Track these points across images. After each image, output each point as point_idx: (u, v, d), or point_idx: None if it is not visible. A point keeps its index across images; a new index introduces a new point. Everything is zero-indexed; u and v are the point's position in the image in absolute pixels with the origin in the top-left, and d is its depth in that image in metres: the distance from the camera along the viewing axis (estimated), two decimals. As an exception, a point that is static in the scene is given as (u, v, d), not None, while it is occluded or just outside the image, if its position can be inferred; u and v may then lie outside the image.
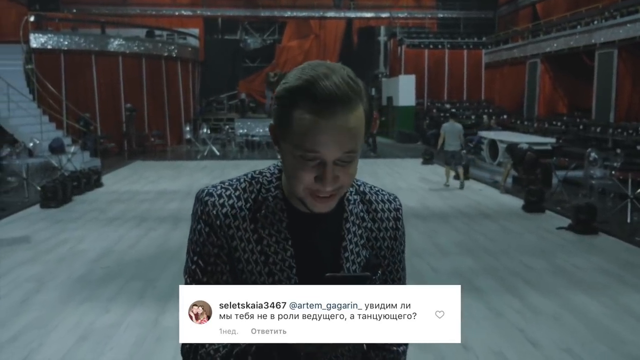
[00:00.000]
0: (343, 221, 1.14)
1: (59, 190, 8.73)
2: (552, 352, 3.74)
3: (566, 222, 7.32)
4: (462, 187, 10.40)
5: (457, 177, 10.69)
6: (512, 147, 10.06)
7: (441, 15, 26.51)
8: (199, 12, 25.27)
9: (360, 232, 1.15)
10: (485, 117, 17.15)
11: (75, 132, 14.83)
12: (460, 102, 21.98)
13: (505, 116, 19.48)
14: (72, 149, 12.72)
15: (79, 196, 9.67)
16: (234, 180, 1.14)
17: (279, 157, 1.08)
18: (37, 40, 15.72)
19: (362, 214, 1.16)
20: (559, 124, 15.97)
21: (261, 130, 18.32)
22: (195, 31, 23.15)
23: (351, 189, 1.16)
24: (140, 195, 9.79)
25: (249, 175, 1.15)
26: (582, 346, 3.82)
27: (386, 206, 1.19)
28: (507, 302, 4.65)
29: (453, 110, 16.10)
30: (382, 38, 26.36)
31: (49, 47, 15.91)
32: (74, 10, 22.52)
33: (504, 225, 7.50)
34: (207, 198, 1.11)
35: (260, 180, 1.13)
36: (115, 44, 17.20)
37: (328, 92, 0.96)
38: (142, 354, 3.77)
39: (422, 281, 5.18)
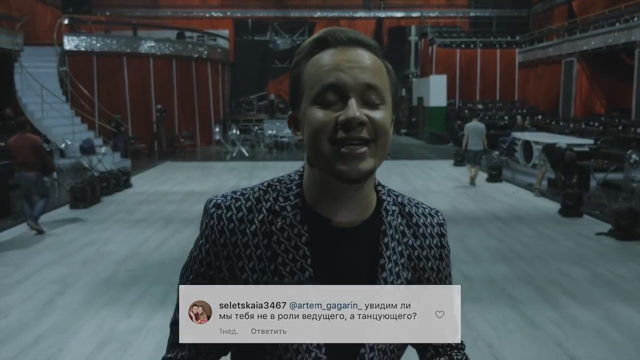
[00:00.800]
0: (381, 235, 0.95)
1: (88, 191, 8.77)
2: (594, 369, 3.50)
3: (606, 227, 6.99)
4: (472, 184, 10.76)
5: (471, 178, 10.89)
6: (549, 148, 9.69)
7: (473, 14, 26.03)
8: (229, 13, 25.36)
9: (400, 249, 0.96)
10: (519, 117, 16.72)
11: (107, 133, 14.98)
12: (493, 103, 21.51)
13: (539, 117, 18.97)
14: (103, 149, 12.84)
15: (108, 197, 9.71)
16: (248, 190, 0.97)
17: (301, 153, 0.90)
18: (70, 43, 15.94)
19: (402, 228, 0.99)
20: (596, 124, 15.44)
21: (290, 131, 18.18)
22: (226, 32, 23.26)
23: (389, 198, 1.00)
24: (168, 197, 9.77)
25: (265, 184, 0.97)
26: (626, 363, 3.57)
27: (428, 220, 1.02)
28: (544, 313, 4.40)
29: (477, 110, 15.74)
30: (413, 38, 26.03)
31: (82, 49, 16.12)
32: (107, 13, 22.84)
33: (539, 230, 7.20)
34: (213, 210, 0.94)
35: (278, 188, 0.96)
36: (146, 46, 17.35)
37: (347, 36, 0.89)
38: (161, 361, 3.66)
39: (453, 289, 4.96)
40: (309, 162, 0.92)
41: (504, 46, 22.20)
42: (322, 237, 0.92)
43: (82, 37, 16.33)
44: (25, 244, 6.69)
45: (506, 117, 19.44)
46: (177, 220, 7.96)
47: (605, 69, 16.65)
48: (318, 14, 25.96)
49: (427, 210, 1.04)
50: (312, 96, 0.87)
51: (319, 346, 0.88)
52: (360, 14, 25.54)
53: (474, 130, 10.63)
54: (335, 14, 25.77)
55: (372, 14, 25.54)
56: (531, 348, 3.79)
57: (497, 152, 14.76)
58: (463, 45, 22.20)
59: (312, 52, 0.90)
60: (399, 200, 1.02)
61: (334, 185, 0.89)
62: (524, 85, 21.66)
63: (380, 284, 0.92)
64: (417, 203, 1.04)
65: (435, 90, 20.27)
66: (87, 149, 11.64)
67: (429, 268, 0.99)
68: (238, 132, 18.31)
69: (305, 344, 0.88)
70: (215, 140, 19.24)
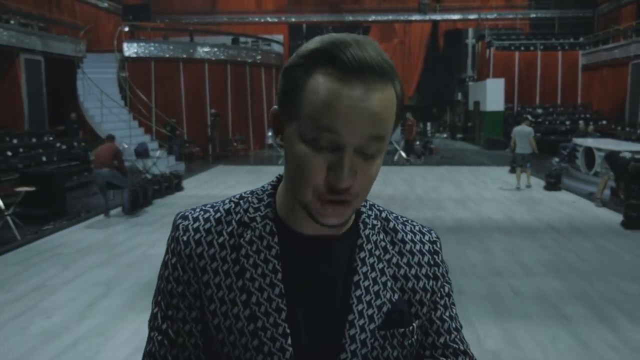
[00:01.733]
0: (357, 249, 0.85)
1: (139, 195, 8.94)
2: (653, 400, 3.20)
3: (673, 241, 6.50)
4: (528, 186, 10.96)
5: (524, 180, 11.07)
6: (612, 156, 9.14)
7: (534, 15, 25.13)
8: (283, 18, 25.56)
9: (381, 266, 0.86)
10: (581, 122, 15.99)
11: (163, 137, 15.35)
12: (554, 107, 20.67)
13: (604, 122, 18.06)
14: (158, 153, 13.15)
15: (159, 199, 9.90)
16: (219, 202, 0.90)
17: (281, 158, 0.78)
18: (129, 49, 16.46)
19: (384, 244, 0.88)
20: (666, 130, 14.53)
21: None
22: (280, 37, 23.44)
23: (369, 212, 0.90)
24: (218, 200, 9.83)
25: (238, 196, 0.90)
26: (691, 395, 3.25)
27: (417, 237, 0.91)
28: (599, 334, 4.09)
29: (528, 114, 15.17)
30: (470, 40, 25.46)
31: (141, 55, 16.61)
32: (166, 20, 23.49)
33: (599, 244, 6.77)
34: (179, 221, 0.87)
35: (250, 199, 0.88)
36: (201, 51, 17.68)
37: (358, 58, 0.72)
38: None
39: (502, 305, 4.71)
40: (287, 180, 0.83)
41: (566, 48, 21.31)
42: (294, 251, 0.84)
43: (141, 44, 16.82)
44: (77, 245, 6.88)
45: (567, 122, 18.65)
46: (223, 224, 7.99)
47: (677, 72, 15.68)
48: (372, 17, 25.77)
49: (416, 228, 0.93)
50: (304, 133, 0.74)
51: (278, 309, 0.81)
52: (416, 17, 25.15)
53: (521, 133, 10.72)
54: (390, 17, 25.50)
55: (427, 17, 25.10)
56: (582, 373, 3.53)
57: (556, 159, 14.17)
58: (522, 48, 21.46)
59: (314, 66, 0.74)
60: (383, 215, 0.92)
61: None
62: (587, 88, 20.71)
63: (354, 303, 0.82)
64: (406, 220, 0.94)
65: (493, 94, 19.70)
66: (142, 152, 11.94)
67: (421, 288, 0.88)
68: (290, 137, 18.35)
69: (262, 303, 0.81)
70: (268, 145, 19.38)
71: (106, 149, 8.40)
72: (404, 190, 10.82)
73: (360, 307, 0.82)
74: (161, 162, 12.82)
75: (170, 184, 10.78)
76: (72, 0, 18.41)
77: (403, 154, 16.59)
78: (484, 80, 20.82)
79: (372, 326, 0.83)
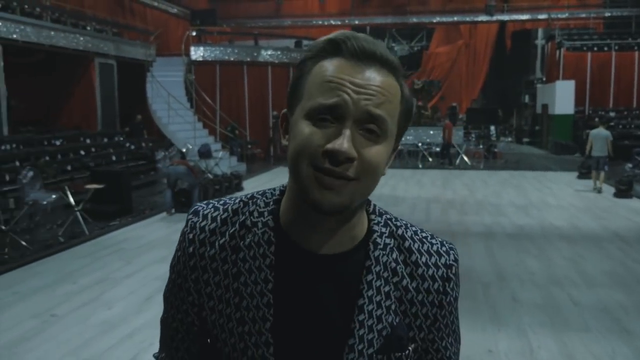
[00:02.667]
0: (364, 271, 0.83)
1: (194, 195, 9.13)
2: None
3: None
4: (599, 191, 10.78)
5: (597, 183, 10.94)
6: None
7: (608, 14, 23.98)
8: (347, 21, 25.62)
9: (387, 289, 0.84)
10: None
11: (226, 138, 15.75)
12: (629, 110, 19.62)
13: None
14: (220, 154, 13.50)
15: (219, 199, 10.15)
16: (231, 200, 0.91)
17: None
18: (196, 53, 16.99)
19: (394, 264, 0.85)
20: None
21: (402, 139, 17.97)
22: (343, 40, 23.53)
23: (383, 229, 0.86)
24: (275, 201, 9.98)
25: (249, 195, 0.91)
26: None
27: (432, 260, 0.87)
28: (663, 350, 3.86)
29: (607, 117, 14.46)
30: (540, 41, 24.64)
31: (207, 58, 17.11)
32: (232, 24, 24.10)
33: (670, 255, 6.39)
34: (190, 217, 0.90)
35: (258, 202, 0.88)
36: (265, 55, 18.01)
37: (362, 47, 0.77)
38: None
39: (559, 315, 4.53)
40: (289, 178, 0.83)
41: (644, 48, 20.20)
42: (291, 264, 0.83)
43: (207, 48, 17.33)
44: (139, 241, 7.18)
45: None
46: (279, 224, 8.11)
47: None
48: (437, 19, 25.40)
49: (435, 248, 0.89)
50: (306, 109, 0.76)
51: (264, 317, 0.82)
52: (482, 17, 24.57)
53: (597, 136, 10.82)
54: (455, 18, 25.06)
55: (494, 18, 24.47)
56: (642, 390, 3.34)
57: (630, 165, 13.45)
58: (595, 48, 20.50)
59: (321, 55, 0.79)
60: (399, 232, 0.88)
61: (311, 212, 0.79)
62: (666, 90, 19.55)
63: (356, 327, 0.82)
64: (425, 237, 0.89)
65: (562, 97, 18.94)
66: (205, 153, 12.28)
67: (423, 314, 0.86)
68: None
69: (251, 309, 0.83)
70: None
71: (183, 161, 9.16)
72: (464, 195, 10.59)
73: (361, 331, 0.82)
74: (223, 163, 13.17)
75: (231, 184, 11.04)
76: (144, 6, 19.24)
77: (465, 158, 16.25)
78: (553, 82, 20.06)
79: (370, 350, 0.82)
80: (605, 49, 20.33)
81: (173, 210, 8.89)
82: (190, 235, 0.87)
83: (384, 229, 0.87)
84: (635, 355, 3.80)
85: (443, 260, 0.88)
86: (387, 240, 0.86)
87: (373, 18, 25.67)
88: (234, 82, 17.43)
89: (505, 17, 24.63)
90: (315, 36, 22.43)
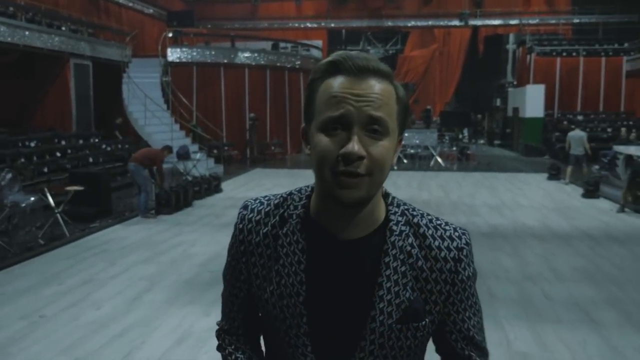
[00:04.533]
0: (382, 254, 0.99)
1: (172, 198, 9.19)
2: (680, 405, 3.23)
3: None
4: (567, 183, 12.21)
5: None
6: (629, 159, 9.17)
7: (577, 21, 24.69)
8: (323, 24, 25.82)
9: (404, 269, 0.99)
10: (623, 130, 15.66)
11: (203, 140, 15.75)
12: (596, 114, 20.25)
13: (648, 129, 17.62)
14: (198, 155, 13.53)
15: (199, 200, 10.23)
16: (273, 195, 1.11)
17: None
18: (173, 54, 16.94)
19: (409, 248, 1.00)
20: None
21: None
22: (319, 43, 23.69)
23: (400, 218, 1.02)
24: (255, 202, 10.08)
25: (288, 192, 1.10)
26: None
27: (445, 244, 1.01)
28: (629, 339, 4.12)
29: (577, 121, 15.00)
30: (511, 46, 25.18)
31: (183, 60, 17.07)
32: (209, 25, 24.07)
33: (635, 252, 6.71)
34: (241, 210, 1.10)
35: (294, 197, 1.07)
36: (242, 57, 18.06)
37: (359, 65, 0.94)
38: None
39: (533, 309, 4.77)
40: (315, 181, 1.01)
41: (610, 54, 20.86)
42: (320, 248, 1.01)
43: (184, 49, 17.29)
44: (122, 242, 7.22)
45: (609, 130, 18.27)
46: (260, 225, 8.21)
47: None
48: (412, 23, 25.78)
49: (447, 233, 1.03)
50: (319, 122, 0.94)
51: (298, 293, 1.00)
52: (456, 22, 25.05)
53: (574, 137, 12.29)
54: (430, 22, 25.47)
55: (467, 23, 24.95)
56: (610, 377, 3.57)
57: (597, 166, 13.93)
58: (564, 53, 21.11)
59: (325, 76, 0.96)
60: (415, 220, 1.03)
61: (335, 205, 0.96)
62: (631, 95, 20.22)
63: (376, 301, 0.98)
64: (439, 225, 1.04)
65: (532, 101, 19.46)
66: (183, 154, 12.31)
67: (437, 291, 1.01)
68: (327, 141, 18.54)
69: (288, 286, 1.01)
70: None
71: (151, 151, 8.78)
72: (439, 196, 10.86)
73: (381, 305, 0.98)
74: (201, 165, 13.20)
75: (210, 186, 11.11)
76: (119, 6, 19.11)
77: (439, 160, 16.58)
78: (523, 87, 20.59)
79: (390, 321, 0.98)
80: (574, 54, 20.96)
81: (153, 212, 8.87)
82: (241, 226, 1.08)
83: (400, 218, 1.02)
84: (604, 343, 4.05)
85: (455, 243, 1.02)
86: (403, 228, 1.01)
87: (349, 21, 25.91)
88: (211, 83, 17.43)
89: (478, 22, 25.14)
90: (292, 39, 22.61)
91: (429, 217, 1.05)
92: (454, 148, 18.43)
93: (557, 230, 7.92)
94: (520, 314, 4.64)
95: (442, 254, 1.01)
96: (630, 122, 18.53)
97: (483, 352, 1.09)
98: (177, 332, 4.31)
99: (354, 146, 0.90)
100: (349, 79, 0.93)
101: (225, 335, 1.16)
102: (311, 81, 0.98)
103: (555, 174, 13.26)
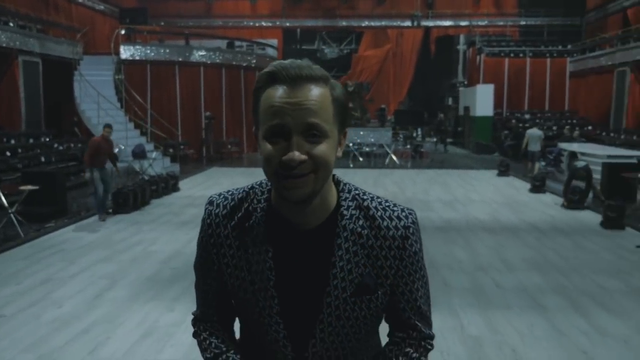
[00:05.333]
0: (335, 237, 1.10)
1: (130, 197, 9.11)
2: (617, 378, 3.52)
3: (649, 240, 6.86)
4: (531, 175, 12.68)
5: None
6: (572, 156, 9.82)
7: (523, 23, 25.64)
8: (278, 23, 25.90)
9: (355, 248, 1.09)
10: (567, 128, 16.40)
11: (158, 139, 15.58)
12: (542, 112, 21.12)
13: (590, 127, 18.52)
14: (154, 154, 13.40)
15: (157, 199, 10.16)
16: (236, 190, 1.20)
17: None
18: (126, 52, 16.67)
19: (360, 230, 1.10)
20: (649, 136, 14.97)
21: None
22: (274, 42, 23.76)
23: (350, 202, 1.12)
24: (214, 200, 10.09)
25: (249, 186, 1.19)
26: (651, 374, 3.58)
27: (393, 223, 1.11)
28: (572, 322, 4.43)
29: (525, 119, 15.66)
30: (461, 47, 25.88)
31: (137, 58, 16.82)
32: (162, 23, 23.74)
33: (578, 242, 7.13)
34: (207, 206, 1.20)
35: (256, 191, 1.17)
36: (197, 55, 17.94)
37: (291, 74, 1.01)
38: (198, 353, 3.90)
39: (485, 296, 5.04)
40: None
41: (555, 55, 21.79)
42: (283, 237, 1.12)
43: (137, 47, 17.04)
44: (80, 242, 7.14)
45: (555, 128, 19.08)
46: (220, 223, 8.25)
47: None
48: (366, 23, 26.18)
49: (395, 214, 1.13)
50: (263, 131, 1.03)
51: (268, 278, 1.11)
52: (408, 23, 25.59)
53: (533, 135, 13.29)
54: (383, 23, 25.92)
55: (419, 24, 25.52)
56: (555, 354, 3.85)
57: (543, 163, 14.55)
58: (512, 54, 21.92)
59: (265, 86, 1.04)
60: (365, 204, 1.13)
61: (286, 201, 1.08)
62: (574, 95, 21.19)
63: (330, 278, 1.10)
64: (387, 206, 1.14)
65: (482, 100, 20.10)
66: (139, 153, 12.19)
67: (387, 266, 1.12)
68: (283, 140, 18.64)
69: (258, 272, 1.12)
70: (262, 147, 19.62)
71: (90, 145, 8.40)
72: (395, 192, 11.15)
73: (335, 281, 1.09)
74: (157, 164, 13.08)
75: (167, 185, 11.04)
76: (69, 2, 18.64)
77: (394, 158, 16.94)
78: (474, 86, 21.23)
79: (344, 295, 1.10)
80: (521, 55, 21.77)
81: (110, 211, 8.80)
82: (208, 221, 1.18)
83: (350, 203, 1.12)
84: (550, 326, 4.34)
85: (402, 223, 1.12)
86: (353, 212, 1.11)
87: (303, 21, 26.08)
88: (165, 82, 17.23)
89: (430, 23, 25.75)
90: (247, 37, 22.57)
91: (379, 200, 1.15)
92: (408, 146, 18.84)
93: (506, 224, 8.30)
94: (473, 302, 4.90)
95: (391, 233, 1.11)
96: (574, 121, 19.39)
97: (428, 322, 1.20)
98: (142, 327, 4.35)
99: (294, 154, 0.98)
100: (285, 89, 1.01)
101: (200, 322, 1.26)
102: (254, 90, 1.07)
103: (504, 171, 13.78)
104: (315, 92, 1.01)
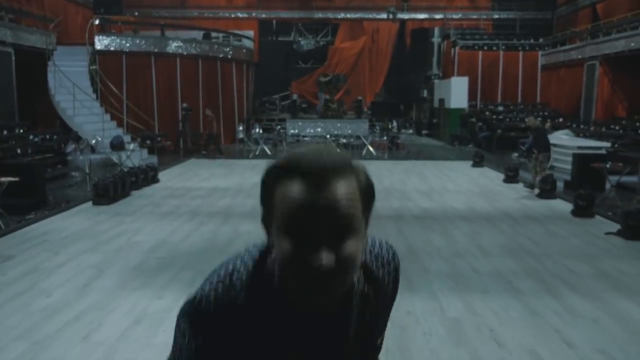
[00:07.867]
0: (347, 315, 1.00)
1: (110, 188, 9.11)
2: (587, 353, 3.77)
3: (616, 227, 7.18)
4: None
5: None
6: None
7: (497, 16, 26.07)
8: (254, 14, 25.83)
9: (362, 311, 1.03)
10: (530, 118, 16.81)
11: (135, 130, 15.49)
12: (515, 105, 21.57)
13: (560, 119, 19.01)
14: (131, 146, 13.35)
15: (136, 191, 10.18)
16: (209, 284, 0.97)
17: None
18: (101, 42, 16.49)
19: (366, 291, 1.04)
20: (617, 127, 15.48)
21: (312, 131, 18.68)
22: (250, 33, 23.72)
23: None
24: (193, 192, 10.20)
25: (227, 270, 0.98)
26: (618, 348, 3.84)
27: (386, 270, 1.08)
28: (545, 303, 4.68)
29: (498, 111, 15.94)
30: (436, 39, 26.15)
31: (112, 48, 16.65)
32: (136, 13, 23.48)
33: (550, 229, 7.43)
34: (190, 312, 0.98)
35: (241, 280, 0.96)
36: (173, 46, 17.85)
37: (316, 169, 0.86)
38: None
39: (463, 281, 5.27)
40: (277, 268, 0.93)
41: (527, 48, 22.23)
42: (293, 322, 0.96)
43: (112, 37, 16.87)
44: (63, 233, 7.16)
45: (527, 120, 19.50)
46: (202, 213, 8.37)
47: (628, 73, 16.64)
48: (342, 15, 26.28)
49: (385, 259, 1.08)
50: (282, 227, 0.86)
51: None
52: (383, 15, 25.76)
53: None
54: (359, 15, 26.06)
55: (395, 16, 25.72)
56: (530, 333, 4.08)
57: (515, 154, 14.96)
58: (485, 47, 22.29)
59: (280, 179, 0.88)
60: (366, 265, 1.05)
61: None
62: (546, 88, 21.68)
63: (345, 348, 1.03)
64: (377, 254, 1.07)
65: (457, 92, 20.42)
66: (117, 145, 12.16)
67: (387, 314, 1.13)
68: (261, 131, 18.75)
69: None
70: (239, 139, 19.65)
71: None
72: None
73: (347, 348, 1.02)
74: (134, 155, 13.04)
75: (147, 176, 11.04)
76: (41, -9, 18.30)
77: (371, 149, 17.16)
78: (448, 79, 21.56)
79: (354, 354, 1.04)
80: (494, 48, 22.15)
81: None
82: (196, 328, 0.95)
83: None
84: (524, 308, 4.58)
85: (392, 265, 1.09)
86: (361, 287, 1.02)
87: (279, 12, 26.06)
88: (141, 73, 17.10)
89: (405, 16, 25.98)
90: (223, 28, 22.48)
91: (369, 249, 1.07)
92: (385, 137, 19.09)
93: (481, 212, 8.57)
94: (452, 286, 5.13)
95: (387, 280, 1.08)
96: (545, 113, 19.87)
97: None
98: (133, 313, 4.46)
99: (323, 259, 0.84)
100: (307, 186, 0.85)
101: None
102: (265, 181, 0.92)
103: (479, 162, 14.10)
104: (343, 189, 0.86)
